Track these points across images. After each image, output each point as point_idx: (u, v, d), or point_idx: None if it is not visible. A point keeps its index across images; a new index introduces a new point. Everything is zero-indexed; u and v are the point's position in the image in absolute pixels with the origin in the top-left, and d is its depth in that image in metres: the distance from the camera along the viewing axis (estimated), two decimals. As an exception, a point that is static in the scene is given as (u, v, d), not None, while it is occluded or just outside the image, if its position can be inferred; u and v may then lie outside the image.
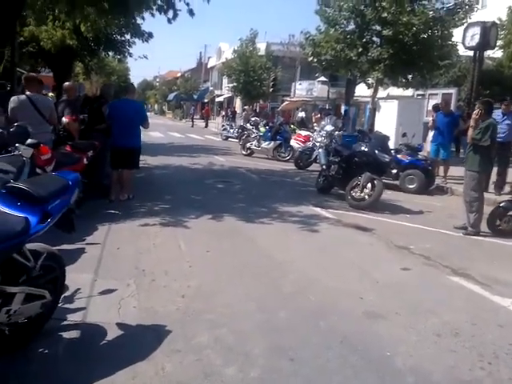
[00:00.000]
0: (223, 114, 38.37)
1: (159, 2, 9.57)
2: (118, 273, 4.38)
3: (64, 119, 7.23)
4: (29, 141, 5.27)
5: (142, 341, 3.17)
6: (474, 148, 6.31)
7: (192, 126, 37.03)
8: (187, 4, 9.35)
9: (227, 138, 23.19)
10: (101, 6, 9.43)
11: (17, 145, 4.71)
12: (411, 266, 4.90)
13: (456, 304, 3.96)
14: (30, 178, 4.81)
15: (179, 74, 66.11)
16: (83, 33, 13.52)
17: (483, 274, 4.68)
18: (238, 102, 40.14)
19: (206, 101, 52.60)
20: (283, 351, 3.08)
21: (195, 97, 55.12)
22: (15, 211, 2.76)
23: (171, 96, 62.80)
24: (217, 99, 50.68)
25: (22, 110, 6.26)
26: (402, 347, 3.18)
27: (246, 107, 32.04)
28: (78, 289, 3.87)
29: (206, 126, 36.93)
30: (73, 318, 3.42)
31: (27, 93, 6.50)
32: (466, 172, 6.49)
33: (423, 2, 14.98)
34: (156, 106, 77.56)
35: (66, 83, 8.76)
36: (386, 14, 13.84)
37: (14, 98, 6.53)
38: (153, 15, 9.88)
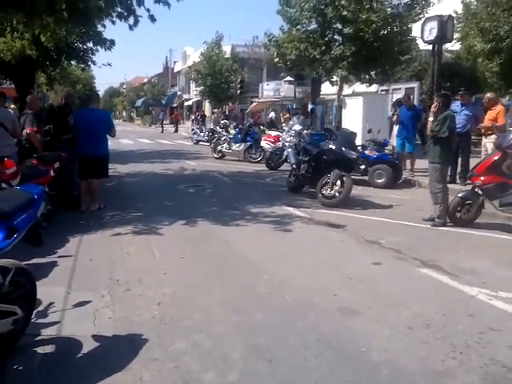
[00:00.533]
0: (193, 118, 38.22)
1: (119, 9, 9.49)
2: (91, 284, 4.33)
3: (25, 131, 7.09)
4: (-8, 155, 5.18)
5: (118, 351, 3.15)
6: (435, 140, 6.49)
7: (162, 132, 36.73)
8: (148, 10, 9.26)
9: (198, 141, 23.12)
10: (60, 15, 9.26)
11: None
12: (382, 260, 5.01)
13: (426, 295, 4.07)
14: (-5, 193, 4.72)
15: (146, 80, 65.48)
16: (43, 43, 13.25)
17: (451, 264, 4.82)
18: (206, 106, 40.07)
19: (174, 105, 52.26)
20: (261, 353, 3.12)
21: (163, 102, 54.75)
22: (-21, 228, 2.72)
23: (139, 102, 62.16)
24: (185, 103, 50.43)
25: (-18, 124, 6.14)
26: (376, 341, 3.25)
27: (215, 110, 32.01)
28: (52, 303, 3.83)
29: (176, 130, 36.73)
30: (47, 333, 3.38)
31: (-12, 106, 6.37)
32: (429, 164, 6.68)
33: None
34: (124, 113, 76.62)
35: (28, 96, 8.62)
36: (345, 13, 14.06)
37: None
38: (113, 22, 9.74)
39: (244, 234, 6.18)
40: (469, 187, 6.75)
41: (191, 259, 5.12)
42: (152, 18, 9.52)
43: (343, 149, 7.80)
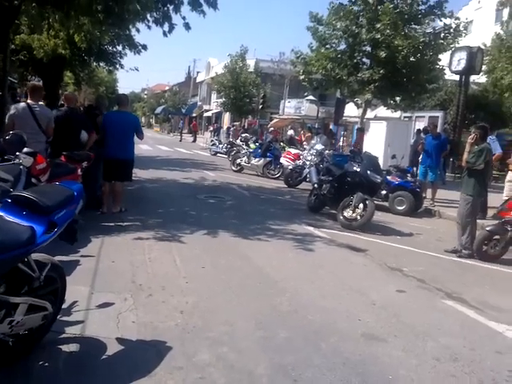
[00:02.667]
0: (211, 129, 38.48)
1: (155, 15, 9.65)
2: (114, 286, 4.34)
3: (85, 135, 7.18)
4: (25, 149, 5.22)
5: (142, 357, 3.13)
6: (469, 172, 6.45)
7: (180, 141, 37.01)
8: (183, 18, 9.42)
9: (216, 153, 23.25)
10: (96, 16, 9.45)
11: (17, 153, 4.65)
12: (406, 289, 4.95)
13: (452, 328, 4.00)
14: (25, 186, 4.77)
15: (167, 88, 66.24)
16: (77, 43, 13.52)
17: (476, 299, 4.74)
18: (226, 118, 40.33)
19: (194, 115, 52.70)
20: (286, 371, 3.07)
21: (183, 111, 55.23)
22: (21, 220, 2.73)
23: (159, 109, 62.79)
24: (205, 114, 50.83)
25: (20, 118, 6.23)
26: (403, 371, 3.19)
27: (235, 123, 32.21)
28: (75, 301, 3.82)
29: (194, 140, 36.97)
30: (71, 331, 3.38)
31: (28, 101, 6.46)
32: (461, 195, 6.61)
33: (413, 26, 15.34)
34: (143, 119, 77.44)
35: (68, 92, 8.74)
36: (379, 36, 14.08)
37: (14, 106, 6.55)
38: (149, 27, 9.91)
39: (265, 249, 6.15)
40: (489, 222, 6.67)
41: (212, 270, 5.10)
42: (187, 26, 9.66)
43: (368, 172, 7.77)
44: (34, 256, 2.89)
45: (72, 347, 3.17)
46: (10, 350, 2.82)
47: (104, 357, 3.09)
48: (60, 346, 3.15)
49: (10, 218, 2.73)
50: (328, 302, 4.38)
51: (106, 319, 3.63)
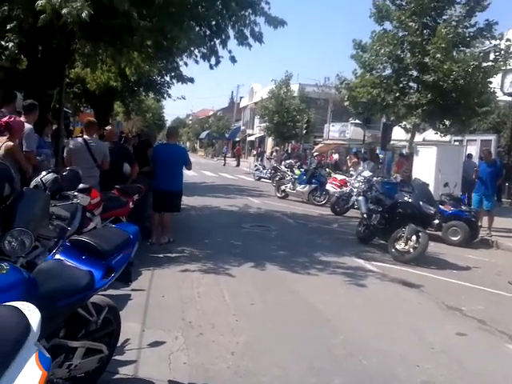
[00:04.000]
0: (255, 153, 38.77)
1: (203, 49, 9.90)
2: (165, 323, 4.34)
3: (127, 168, 7.38)
4: (81, 186, 5.38)
5: (195, 402, 3.08)
6: None
7: (224, 165, 37.47)
8: (229, 51, 9.61)
9: (260, 178, 23.33)
10: (146, 51, 9.83)
11: (75, 193, 4.79)
12: (466, 331, 4.67)
13: (521, 377, 3.73)
14: (81, 222, 4.91)
15: (211, 113, 67.57)
16: (128, 76, 14.07)
17: (545, 343, 4.43)
18: (269, 142, 40.57)
19: (237, 139, 53.36)
20: (344, 424, 2.93)
21: (227, 135, 56.04)
22: (80, 265, 2.78)
23: (203, 134, 64.05)
24: (248, 138, 51.36)
25: (76, 153, 6.47)
26: (471, 426, 2.98)
27: (276, 148, 32.27)
28: (128, 339, 3.83)
29: (238, 164, 37.31)
30: (124, 372, 3.38)
31: (85, 136, 6.71)
32: None
33: (462, 48, 14.99)
34: (188, 144, 79.25)
35: (107, 127, 9.02)
36: (427, 60, 13.82)
37: (71, 141, 6.82)
38: (197, 62, 10.16)
39: (314, 284, 6.01)
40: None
41: (262, 307, 5.02)
42: (233, 60, 9.82)
43: (421, 203, 7.51)
44: (92, 299, 2.92)
45: (126, 390, 3.16)
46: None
47: (157, 402, 3.06)
48: (114, 388, 3.16)
49: (69, 262, 2.78)
50: (383, 344, 4.19)
51: (158, 359, 3.61)
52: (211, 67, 9.91)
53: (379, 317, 4.96)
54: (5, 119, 5.19)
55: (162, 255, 6.87)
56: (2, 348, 1.61)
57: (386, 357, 3.94)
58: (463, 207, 9.75)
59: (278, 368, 3.62)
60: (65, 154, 6.66)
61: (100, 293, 3.25)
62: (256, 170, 25.04)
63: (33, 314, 1.80)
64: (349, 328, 4.56)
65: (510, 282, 6.35)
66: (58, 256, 2.85)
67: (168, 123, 63.99)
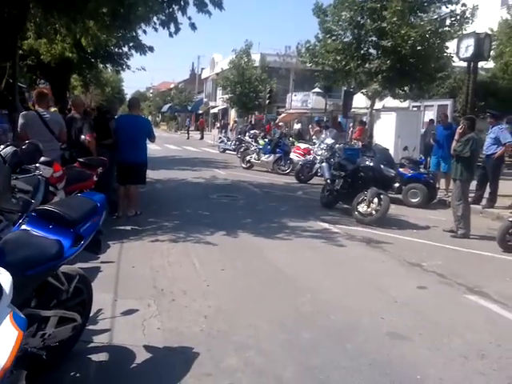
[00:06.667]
0: (218, 125, 38.43)
1: (161, 17, 9.64)
2: (136, 292, 4.38)
3: (83, 137, 7.17)
4: (42, 159, 5.25)
5: (171, 363, 3.16)
6: (457, 159, 7.06)
7: (188, 138, 37.06)
8: (189, 18, 9.40)
9: (224, 150, 23.26)
10: (102, 20, 9.47)
11: (37, 165, 4.69)
12: (427, 284, 4.94)
13: (477, 324, 3.99)
14: (44, 196, 4.82)
15: (173, 85, 66.15)
16: (84, 47, 13.57)
17: (499, 292, 4.72)
18: (232, 114, 40.23)
19: (200, 112, 52.60)
20: (314, 374, 3.09)
21: (189, 108, 55.14)
22: (47, 234, 2.76)
23: (165, 107, 62.78)
24: (211, 111, 50.73)
25: (31, 127, 6.23)
26: (431, 370, 3.19)
27: (236, 119, 31.94)
28: (100, 309, 3.86)
29: (202, 137, 36.97)
30: (99, 340, 3.41)
31: (37, 108, 6.48)
32: (452, 181, 7.16)
33: (419, 14, 15.18)
34: (150, 118, 77.53)
35: (75, 98, 8.76)
36: (385, 25, 13.97)
37: (23, 114, 6.52)
38: (156, 29, 9.92)
39: (281, 248, 6.16)
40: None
41: (232, 272, 5.12)
42: (193, 26, 9.62)
43: (382, 166, 7.73)
44: (62, 268, 2.92)
45: (101, 356, 3.20)
46: (42, 362, 2.86)
47: (133, 365, 3.12)
48: (89, 356, 3.19)
49: (36, 232, 2.76)
50: (349, 301, 4.39)
51: (132, 326, 3.66)
52: (171, 35, 9.69)
53: (344, 275, 5.16)
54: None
55: (129, 228, 6.83)
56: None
57: (353, 312, 4.13)
58: (422, 170, 10.07)
59: (249, 328, 3.74)
60: (18, 129, 6.41)
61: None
62: (220, 142, 24.93)
63: (4, 276, 1.81)
64: (316, 287, 4.73)
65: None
66: (24, 226, 2.81)
67: (128, 97, 62.44)
